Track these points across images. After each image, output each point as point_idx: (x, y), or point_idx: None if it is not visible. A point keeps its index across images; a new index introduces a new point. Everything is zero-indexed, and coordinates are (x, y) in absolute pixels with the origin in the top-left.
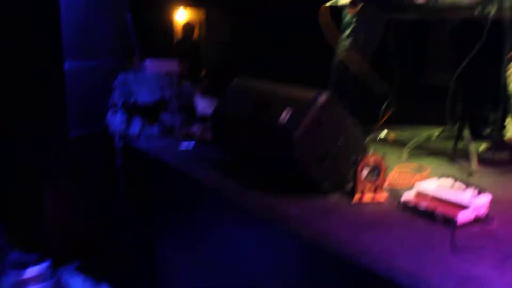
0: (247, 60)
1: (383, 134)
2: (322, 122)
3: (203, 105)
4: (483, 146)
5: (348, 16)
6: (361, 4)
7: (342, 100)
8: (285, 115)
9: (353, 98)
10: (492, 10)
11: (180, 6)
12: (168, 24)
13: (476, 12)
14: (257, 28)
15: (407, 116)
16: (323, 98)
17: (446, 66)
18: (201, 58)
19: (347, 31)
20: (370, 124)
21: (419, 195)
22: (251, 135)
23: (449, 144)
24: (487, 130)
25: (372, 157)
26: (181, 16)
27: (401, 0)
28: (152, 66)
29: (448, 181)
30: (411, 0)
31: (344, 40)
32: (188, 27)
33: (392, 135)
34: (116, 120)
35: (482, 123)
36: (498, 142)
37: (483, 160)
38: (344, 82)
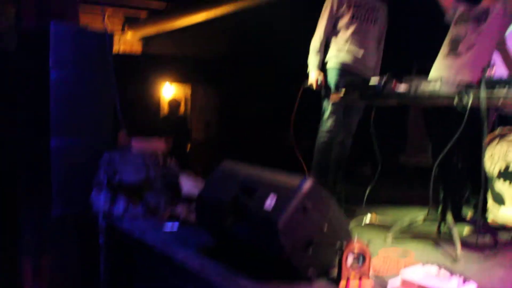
0: (232, 136)
1: (367, 218)
2: (307, 209)
3: (189, 185)
4: (466, 230)
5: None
6: (343, 90)
7: (324, 181)
8: (270, 202)
9: (335, 179)
10: (469, 100)
11: (166, 82)
12: (154, 100)
13: (454, 102)
14: (241, 105)
15: (390, 195)
16: (307, 184)
17: (426, 147)
18: (187, 134)
19: (327, 114)
20: (354, 205)
21: (405, 283)
22: (235, 220)
23: (433, 227)
24: (470, 214)
25: (357, 244)
26: (168, 91)
27: (382, 88)
28: (137, 145)
29: (433, 268)
30: (392, 89)
31: (325, 123)
32: (174, 103)
33: (376, 218)
34: (100, 199)
35: (464, 207)
36: (481, 226)
37: (467, 245)
38: (325, 163)
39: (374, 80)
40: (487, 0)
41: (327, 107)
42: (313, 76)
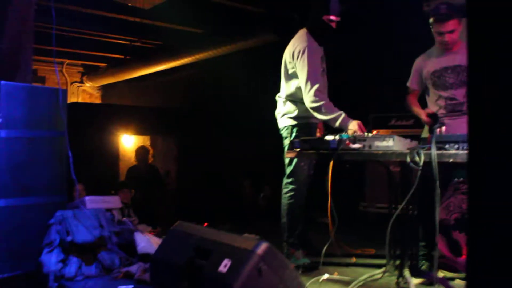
0: (191, 185)
1: (325, 276)
2: (262, 272)
3: (145, 242)
4: (421, 282)
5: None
6: (298, 149)
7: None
8: (224, 265)
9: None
10: (420, 159)
11: (125, 132)
12: (113, 150)
13: (407, 160)
14: (200, 155)
15: (350, 243)
16: (263, 247)
17: (383, 197)
18: (160, 182)
19: (289, 170)
20: (314, 262)
21: None
22: (190, 282)
23: (392, 281)
24: (425, 266)
25: None
26: (127, 141)
27: (338, 144)
28: (91, 202)
29: None
30: (346, 146)
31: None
32: (142, 150)
33: (335, 274)
34: (51, 260)
35: (420, 261)
36: (435, 279)
37: None
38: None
39: (329, 137)
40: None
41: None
42: (355, 124)
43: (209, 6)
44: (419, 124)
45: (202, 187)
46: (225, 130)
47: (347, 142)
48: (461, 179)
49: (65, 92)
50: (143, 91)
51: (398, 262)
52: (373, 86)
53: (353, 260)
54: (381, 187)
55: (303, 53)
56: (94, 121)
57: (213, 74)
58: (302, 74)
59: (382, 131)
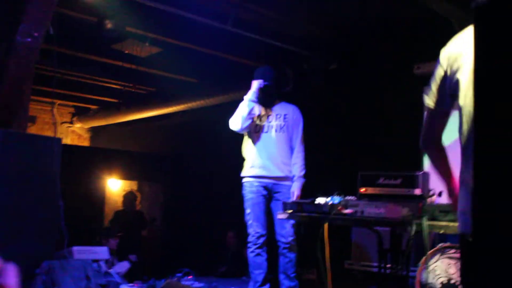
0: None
1: None
2: None
3: None
4: None
5: None
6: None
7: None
8: None
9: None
10: (412, 229)
11: (112, 176)
12: (99, 194)
13: (402, 228)
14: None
15: None
16: None
17: (368, 255)
18: (145, 227)
19: None
20: None
21: None
22: None
23: None
24: None
25: None
26: (115, 187)
27: (330, 209)
28: (79, 253)
29: None
30: (338, 211)
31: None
32: (130, 196)
33: None
34: None
35: None
36: None
37: None
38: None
39: (321, 200)
40: None
41: None
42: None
43: (204, 57)
44: (407, 183)
45: (187, 236)
46: (212, 179)
47: (339, 207)
48: (448, 243)
49: (59, 141)
50: (133, 135)
51: None
52: (362, 143)
53: None
54: (366, 246)
55: None
56: (82, 164)
57: (205, 123)
58: None
59: (369, 189)
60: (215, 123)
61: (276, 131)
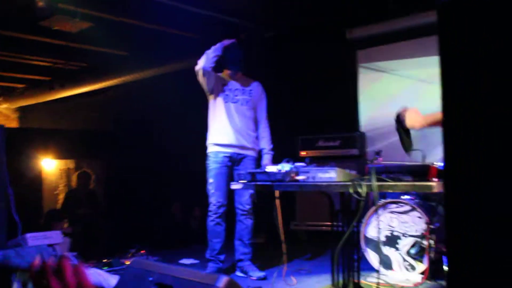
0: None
1: None
2: None
3: (93, 279)
4: None
5: None
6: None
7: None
8: None
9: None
10: (363, 190)
11: (47, 156)
12: (35, 176)
13: (350, 190)
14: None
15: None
16: (224, 281)
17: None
18: (98, 207)
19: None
20: None
21: None
22: None
23: None
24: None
25: None
26: (49, 167)
27: (283, 176)
28: (33, 239)
29: None
30: (292, 178)
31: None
32: (84, 175)
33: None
34: None
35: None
36: None
37: None
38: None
39: (272, 169)
40: None
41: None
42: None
43: (136, 29)
44: (345, 144)
45: (132, 212)
46: (153, 153)
47: (292, 174)
48: (388, 199)
49: (3, 129)
50: (67, 112)
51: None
52: (301, 107)
53: (294, 282)
54: (310, 207)
55: None
56: (14, 146)
57: (141, 96)
58: None
59: (310, 152)
60: (152, 96)
61: (241, 104)
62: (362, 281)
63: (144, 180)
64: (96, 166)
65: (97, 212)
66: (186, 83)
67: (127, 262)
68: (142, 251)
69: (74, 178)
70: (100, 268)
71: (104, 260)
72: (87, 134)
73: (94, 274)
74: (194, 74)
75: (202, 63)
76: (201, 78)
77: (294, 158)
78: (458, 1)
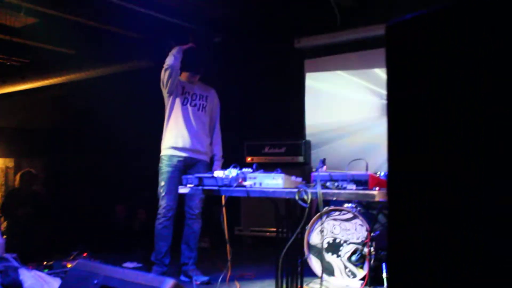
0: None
1: None
2: None
3: (31, 281)
4: None
5: None
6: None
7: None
8: None
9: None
10: (308, 197)
11: None
12: None
13: (296, 197)
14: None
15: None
16: (170, 284)
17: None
18: (41, 208)
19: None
20: None
21: None
22: None
23: None
24: None
25: None
26: None
27: (231, 182)
28: None
29: None
30: (239, 183)
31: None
32: (29, 175)
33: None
34: None
35: None
36: None
37: None
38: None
39: (219, 174)
40: None
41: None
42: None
43: (83, 28)
44: (291, 152)
45: (74, 213)
46: (97, 153)
47: (240, 180)
48: (332, 206)
49: None
50: (8, 110)
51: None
52: (249, 113)
53: (238, 287)
54: (255, 213)
55: None
56: None
57: (87, 95)
58: None
59: (256, 158)
60: (97, 95)
61: (199, 109)
62: (305, 287)
63: (87, 180)
64: (37, 165)
65: (40, 213)
66: (134, 83)
67: (69, 265)
68: (84, 254)
69: (17, 177)
70: (41, 271)
71: (44, 263)
72: (27, 132)
73: (34, 276)
74: (141, 75)
75: (171, 62)
76: (167, 77)
77: (240, 163)
78: (404, 23)
